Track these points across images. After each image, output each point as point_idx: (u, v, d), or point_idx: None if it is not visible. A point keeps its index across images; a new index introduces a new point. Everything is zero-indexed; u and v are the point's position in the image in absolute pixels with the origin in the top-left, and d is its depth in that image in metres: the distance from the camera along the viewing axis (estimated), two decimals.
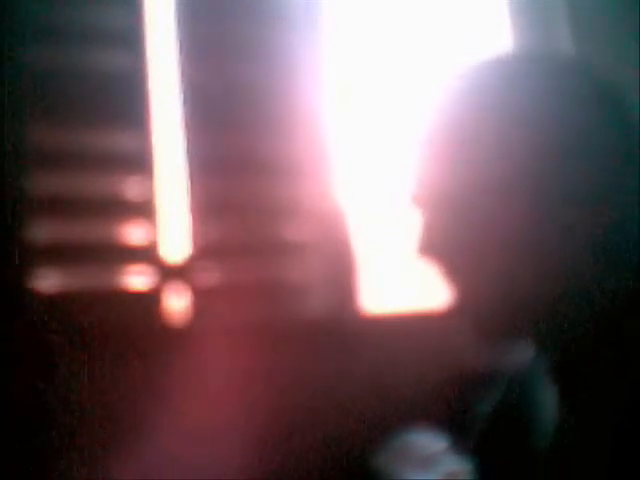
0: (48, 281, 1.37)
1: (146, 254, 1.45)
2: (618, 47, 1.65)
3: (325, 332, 1.50)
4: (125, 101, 1.46)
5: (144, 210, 1.45)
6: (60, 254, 1.40)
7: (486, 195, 0.76)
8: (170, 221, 1.48)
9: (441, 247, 0.80)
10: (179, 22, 1.53)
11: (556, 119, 0.76)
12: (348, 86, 1.67)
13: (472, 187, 0.77)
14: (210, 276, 1.50)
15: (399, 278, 1.67)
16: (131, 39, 1.49)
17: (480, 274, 0.77)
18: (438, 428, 1.44)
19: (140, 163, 1.46)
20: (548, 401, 0.80)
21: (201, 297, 1.47)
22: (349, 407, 1.48)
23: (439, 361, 1.54)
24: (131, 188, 1.46)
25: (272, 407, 1.42)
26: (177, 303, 1.46)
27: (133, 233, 1.45)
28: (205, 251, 1.50)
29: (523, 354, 0.84)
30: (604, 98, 0.79)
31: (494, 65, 0.82)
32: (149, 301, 1.44)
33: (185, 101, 1.52)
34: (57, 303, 1.37)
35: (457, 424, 1.46)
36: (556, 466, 0.74)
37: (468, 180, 0.77)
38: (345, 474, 1.43)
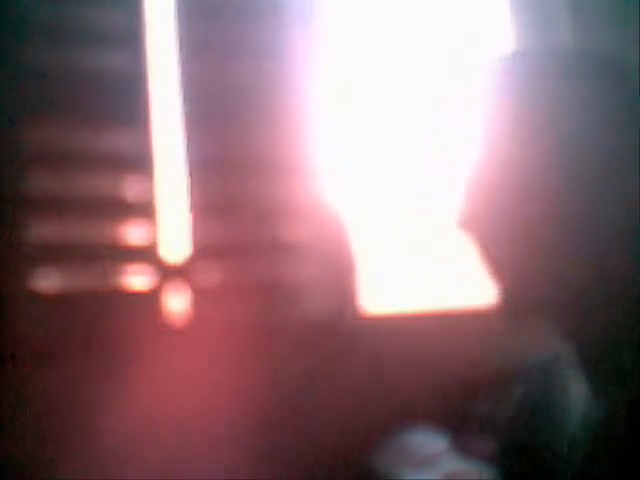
0: (48, 281, 1.37)
1: (146, 254, 1.45)
2: (619, 42, 1.65)
3: (325, 332, 1.50)
4: (125, 101, 1.46)
5: (144, 210, 1.45)
6: (60, 254, 1.40)
7: (534, 178, 0.76)
8: (170, 221, 1.48)
9: (484, 220, 0.79)
10: (179, 22, 1.53)
11: (606, 117, 0.76)
12: (348, 86, 1.67)
13: (519, 169, 0.77)
14: (210, 276, 1.50)
15: (399, 278, 1.67)
16: (131, 39, 1.49)
17: (519, 252, 0.77)
18: (438, 428, 1.44)
19: (140, 163, 1.46)
20: (578, 392, 0.80)
21: (201, 297, 1.47)
22: (349, 407, 1.48)
23: (439, 361, 1.54)
24: (131, 188, 1.46)
25: (272, 407, 1.42)
26: (177, 303, 1.46)
27: (133, 233, 1.45)
28: (205, 251, 1.50)
29: (554, 343, 0.84)
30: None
31: (537, 62, 0.81)
32: (149, 301, 1.44)
33: (185, 101, 1.52)
34: (57, 303, 1.37)
35: (458, 424, 1.46)
36: (586, 457, 0.74)
37: (517, 161, 0.77)
38: (345, 474, 1.43)
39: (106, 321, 1.37)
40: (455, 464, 1.37)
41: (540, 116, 0.77)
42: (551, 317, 0.79)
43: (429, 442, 1.41)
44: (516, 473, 0.86)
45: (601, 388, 0.77)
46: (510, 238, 0.78)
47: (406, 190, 1.68)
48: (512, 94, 0.79)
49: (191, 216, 1.49)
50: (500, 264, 0.79)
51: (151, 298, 1.44)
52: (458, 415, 1.48)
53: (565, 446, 0.79)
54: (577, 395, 0.80)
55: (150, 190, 1.46)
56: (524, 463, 0.84)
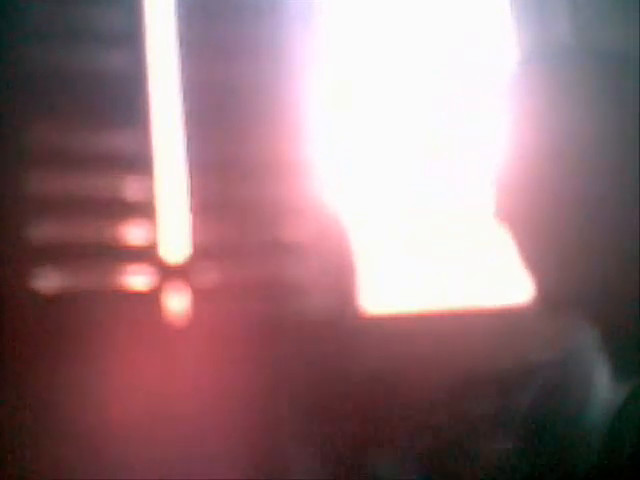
0: (48, 281, 1.37)
1: (146, 254, 1.45)
2: (620, 40, 1.65)
3: (325, 332, 1.50)
4: (125, 101, 1.46)
5: (144, 210, 1.45)
6: (60, 254, 1.40)
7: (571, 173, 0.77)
8: (170, 221, 1.48)
9: (520, 213, 0.79)
10: (179, 22, 1.53)
11: (618, 110, 0.77)
12: (348, 86, 1.67)
13: (555, 163, 0.77)
14: (210, 276, 1.50)
15: (399, 278, 1.67)
16: (131, 39, 1.49)
17: (553, 246, 0.78)
18: (439, 428, 1.44)
19: (140, 163, 1.46)
20: (603, 384, 0.80)
21: (201, 297, 1.47)
22: (349, 407, 1.48)
23: (440, 361, 1.53)
24: (131, 188, 1.46)
25: (271, 407, 1.42)
26: (177, 303, 1.46)
27: (133, 233, 1.45)
28: (205, 251, 1.50)
29: (581, 334, 0.84)
30: None
31: (540, 60, 0.82)
32: (149, 301, 1.44)
33: (185, 101, 1.52)
34: (57, 303, 1.37)
35: (459, 423, 1.46)
36: (609, 449, 0.74)
37: (551, 154, 0.78)
38: (346, 474, 1.43)
39: (106, 321, 1.37)
40: None
41: (557, 111, 0.78)
42: (579, 310, 0.79)
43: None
44: (534, 465, 0.86)
45: (626, 379, 0.77)
46: (541, 231, 0.78)
47: (406, 190, 1.68)
48: (523, 93, 0.79)
49: (191, 216, 1.49)
50: (533, 257, 0.80)
51: (151, 298, 1.44)
52: (460, 415, 1.48)
53: (586, 437, 0.79)
54: (601, 387, 0.81)
55: (150, 190, 1.46)
56: (543, 455, 0.84)
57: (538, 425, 0.87)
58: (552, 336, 0.85)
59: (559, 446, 0.82)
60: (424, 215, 1.66)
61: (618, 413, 0.75)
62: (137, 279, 1.44)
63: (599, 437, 0.76)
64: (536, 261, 0.80)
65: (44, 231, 1.38)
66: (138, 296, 1.43)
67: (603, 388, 0.80)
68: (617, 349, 0.79)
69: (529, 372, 0.92)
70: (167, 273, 1.45)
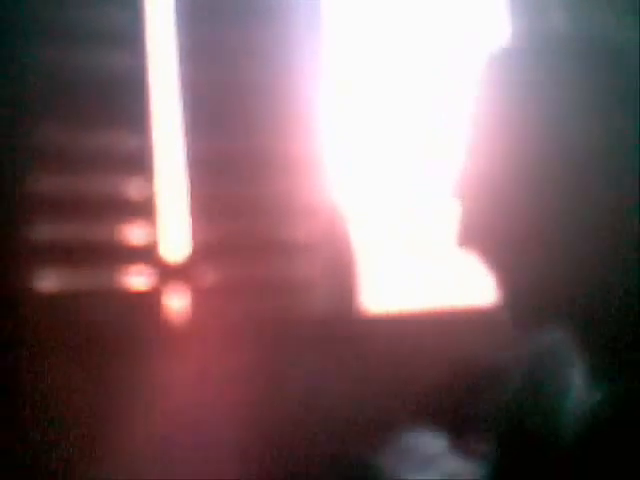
0: (48, 281, 1.37)
1: (146, 254, 1.45)
2: (617, 26, 1.64)
3: (325, 331, 1.50)
4: (125, 101, 1.46)
5: (144, 210, 1.45)
6: (60, 254, 1.40)
7: (528, 183, 0.76)
8: (170, 221, 1.48)
9: (482, 236, 0.79)
10: (179, 22, 1.53)
11: (600, 105, 0.76)
12: (348, 85, 1.67)
13: (513, 174, 0.77)
14: (210, 276, 1.50)
15: (399, 278, 1.67)
16: (131, 39, 1.49)
17: (521, 261, 0.77)
18: (439, 427, 1.44)
19: (140, 163, 1.46)
20: (578, 385, 0.80)
21: (201, 297, 1.47)
22: (349, 406, 1.48)
23: (440, 360, 1.53)
24: (131, 188, 1.46)
25: (272, 406, 1.42)
26: (177, 303, 1.46)
27: (133, 233, 1.45)
28: (205, 251, 1.50)
29: (556, 339, 0.84)
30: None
31: (533, 48, 0.81)
32: (149, 301, 1.44)
33: (185, 101, 1.52)
34: (57, 303, 1.37)
35: (459, 422, 1.46)
36: (582, 443, 0.74)
37: (509, 167, 0.77)
38: (346, 474, 1.43)
39: (106, 321, 1.37)
40: (455, 464, 1.36)
41: (538, 110, 0.77)
42: (553, 311, 0.79)
43: (429, 442, 1.41)
44: (511, 458, 0.86)
45: (599, 375, 0.77)
46: (512, 237, 0.78)
47: (406, 190, 1.68)
48: (507, 88, 0.79)
49: (191, 216, 1.49)
50: (503, 265, 0.79)
51: (151, 298, 1.44)
52: (459, 414, 1.48)
53: (561, 431, 0.79)
54: (575, 381, 0.80)
55: (150, 190, 1.46)
56: (519, 449, 0.84)
57: (510, 422, 0.87)
58: (524, 336, 0.85)
59: (530, 443, 0.82)
60: (424, 215, 1.66)
61: (589, 416, 0.75)
62: (137, 279, 1.44)
63: (568, 438, 0.76)
64: (510, 262, 0.79)
65: (44, 231, 1.38)
66: (138, 296, 1.44)
67: (576, 390, 0.80)
68: (591, 351, 0.78)
69: (506, 370, 0.92)
70: (167, 273, 1.45)
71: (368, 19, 1.72)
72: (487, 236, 0.79)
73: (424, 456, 1.38)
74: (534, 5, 1.75)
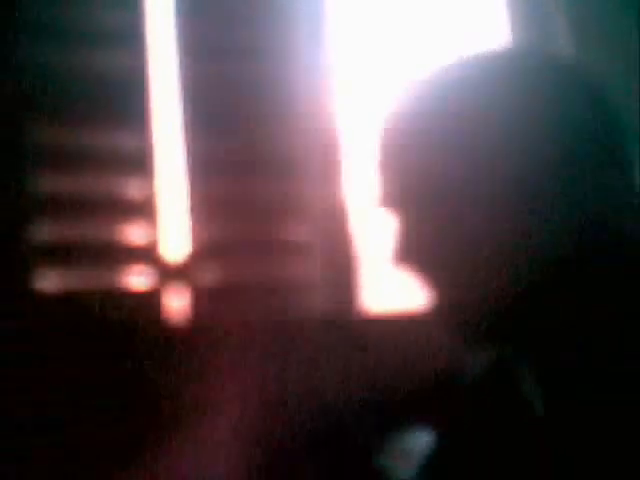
0: (48, 281, 1.37)
1: (146, 254, 1.45)
2: (617, 44, 1.65)
3: (325, 332, 1.50)
4: (125, 101, 1.46)
5: (144, 210, 1.45)
6: (60, 254, 1.40)
7: (459, 197, 0.76)
8: (170, 221, 1.48)
9: (417, 254, 0.80)
10: (179, 22, 1.53)
11: (534, 119, 0.76)
12: (349, 85, 1.67)
13: (445, 189, 0.77)
14: (210, 276, 1.50)
15: (399, 278, 1.67)
16: (131, 39, 1.49)
17: (457, 277, 0.78)
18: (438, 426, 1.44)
19: (140, 163, 1.46)
20: (528, 398, 0.80)
21: (201, 297, 1.48)
22: (349, 406, 1.48)
23: (440, 360, 1.53)
24: (131, 188, 1.46)
25: (272, 406, 1.42)
26: (177, 303, 1.46)
27: (133, 233, 1.45)
28: (205, 251, 1.50)
29: (499, 354, 0.84)
30: (587, 97, 0.79)
31: (476, 62, 0.81)
32: (149, 301, 1.44)
33: (185, 101, 1.52)
34: (57, 303, 1.37)
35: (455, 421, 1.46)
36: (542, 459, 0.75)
37: (441, 182, 0.77)
38: (346, 474, 1.43)
39: (106, 321, 1.37)
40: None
41: (472, 127, 0.77)
42: (502, 328, 0.79)
43: (429, 442, 1.41)
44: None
45: (553, 391, 0.77)
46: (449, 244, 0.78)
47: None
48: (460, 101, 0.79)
49: (191, 216, 1.49)
50: (443, 285, 0.80)
51: (151, 298, 1.44)
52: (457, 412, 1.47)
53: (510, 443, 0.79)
54: (529, 398, 0.81)
55: (150, 190, 1.46)
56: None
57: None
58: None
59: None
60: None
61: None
62: (137, 279, 1.44)
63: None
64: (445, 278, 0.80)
65: (44, 231, 1.38)
66: (138, 296, 1.44)
67: (528, 404, 0.80)
68: (540, 365, 0.78)
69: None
70: (167, 273, 1.45)
71: (369, 19, 1.72)
72: (421, 255, 0.79)
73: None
74: (533, 12, 1.76)
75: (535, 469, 0.73)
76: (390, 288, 1.66)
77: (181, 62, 1.52)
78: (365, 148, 1.68)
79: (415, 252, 0.80)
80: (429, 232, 0.79)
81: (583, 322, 0.74)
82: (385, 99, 0.86)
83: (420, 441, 1.42)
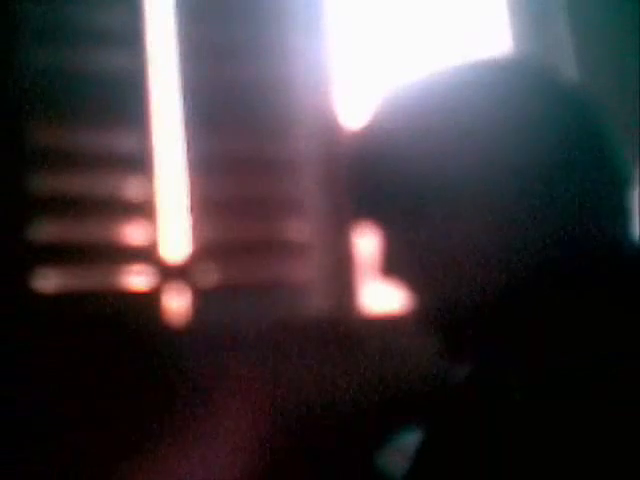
0: (48, 281, 1.37)
1: (146, 254, 1.45)
2: (618, 47, 1.65)
3: (325, 332, 1.50)
4: (125, 101, 1.46)
5: (144, 210, 1.45)
6: (60, 254, 1.40)
7: (444, 207, 0.77)
8: (170, 221, 1.48)
9: (402, 266, 0.80)
10: (179, 22, 1.53)
11: (524, 127, 0.76)
12: (348, 85, 1.68)
13: (427, 200, 0.77)
14: (210, 276, 1.50)
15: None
16: (131, 39, 1.49)
17: (442, 286, 0.78)
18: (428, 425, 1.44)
19: (140, 163, 1.47)
20: (516, 399, 0.81)
21: (201, 297, 1.48)
22: (350, 406, 1.48)
23: (440, 361, 1.53)
24: (131, 188, 1.46)
25: (272, 407, 1.42)
26: (177, 303, 1.46)
27: (133, 233, 1.45)
28: (205, 251, 1.50)
29: (491, 360, 0.85)
30: (563, 103, 0.79)
31: (467, 71, 0.82)
32: (149, 301, 1.44)
33: (185, 101, 1.52)
34: (57, 303, 1.37)
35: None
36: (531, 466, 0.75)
37: (422, 193, 0.78)
38: (346, 473, 1.43)
39: (106, 321, 1.37)
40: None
41: (456, 136, 0.77)
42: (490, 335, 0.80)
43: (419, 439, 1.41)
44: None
45: (541, 397, 0.77)
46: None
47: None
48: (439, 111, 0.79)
49: (191, 216, 1.49)
50: (429, 295, 0.80)
51: (151, 298, 1.44)
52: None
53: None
54: (517, 405, 0.81)
55: (150, 190, 1.46)
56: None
57: None
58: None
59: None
60: None
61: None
62: (137, 279, 1.44)
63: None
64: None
65: (44, 231, 1.38)
66: (138, 296, 1.44)
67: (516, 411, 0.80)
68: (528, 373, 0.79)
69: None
70: (167, 273, 1.45)
71: (368, 19, 1.72)
72: (407, 267, 0.80)
73: None
74: (534, 14, 1.76)
75: (524, 468, 0.73)
76: (389, 288, 1.66)
77: (181, 62, 1.53)
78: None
79: (397, 265, 0.81)
80: (413, 243, 0.79)
81: (571, 325, 0.74)
82: (377, 105, 0.87)
83: (417, 441, 1.43)
